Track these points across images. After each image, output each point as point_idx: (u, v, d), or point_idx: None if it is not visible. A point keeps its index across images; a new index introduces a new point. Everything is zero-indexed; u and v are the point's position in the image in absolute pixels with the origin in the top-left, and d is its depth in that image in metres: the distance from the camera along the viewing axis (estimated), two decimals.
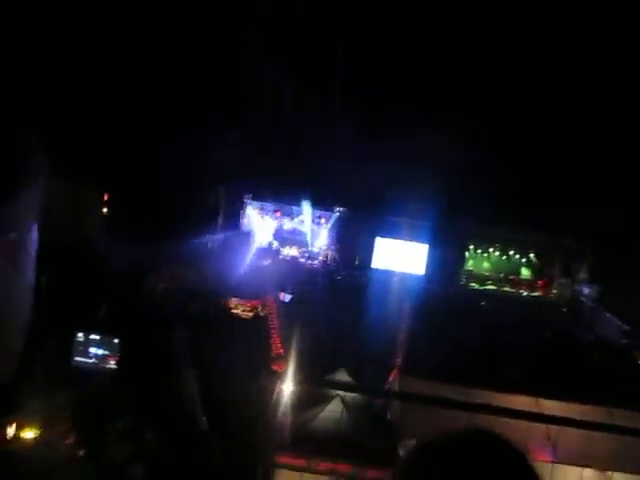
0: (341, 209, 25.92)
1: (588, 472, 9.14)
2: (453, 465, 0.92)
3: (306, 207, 25.76)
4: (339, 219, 26.03)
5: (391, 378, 13.20)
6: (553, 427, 9.29)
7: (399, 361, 13.86)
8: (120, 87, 20.04)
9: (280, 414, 11.40)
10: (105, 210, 21.03)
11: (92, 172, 18.02)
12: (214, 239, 22.87)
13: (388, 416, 11.89)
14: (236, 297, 18.55)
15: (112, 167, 19.70)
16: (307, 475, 10.41)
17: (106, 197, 20.99)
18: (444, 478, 0.92)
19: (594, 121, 22.46)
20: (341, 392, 12.42)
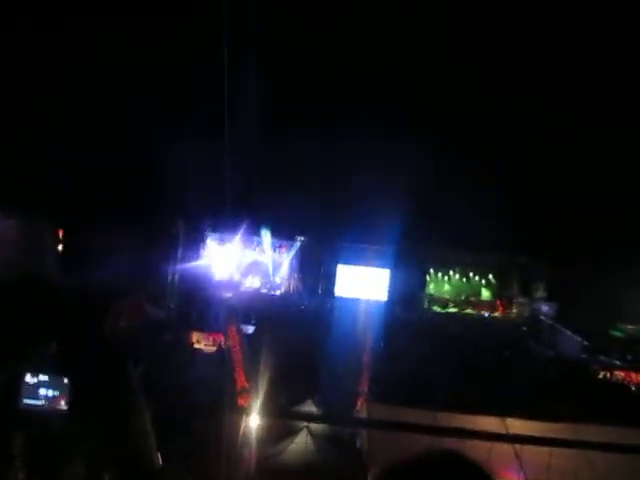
0: (302, 238, 25.95)
1: None
2: None
3: (266, 237, 25.70)
4: (300, 248, 26.03)
5: (359, 405, 13.10)
6: (519, 445, 9.32)
7: (364, 388, 13.78)
8: (73, 118, 19.78)
9: (247, 449, 11.14)
10: (60, 246, 20.49)
11: (43, 206, 17.62)
12: (175, 273, 22.49)
13: (357, 444, 11.76)
14: (198, 331, 18.22)
15: (65, 201, 19.28)
16: None
17: (61, 233, 20.47)
18: None
19: (540, 145, 23.24)
20: (309, 424, 12.25)
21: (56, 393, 2.47)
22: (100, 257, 19.43)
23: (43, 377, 2.51)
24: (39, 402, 2.50)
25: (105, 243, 19.71)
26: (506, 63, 22.17)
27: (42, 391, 2.39)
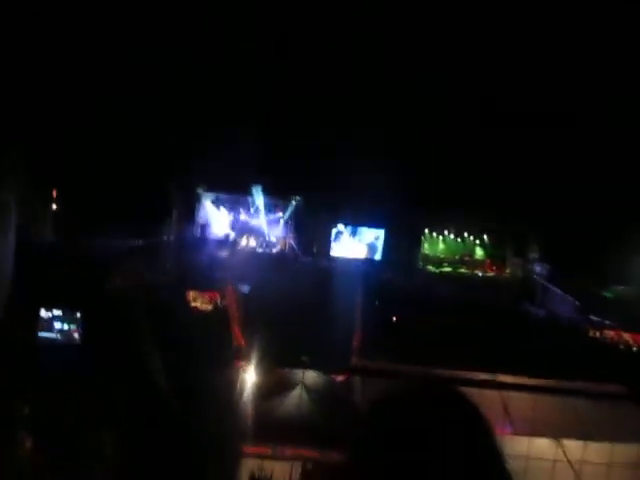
0: (297, 197, 25.90)
1: (543, 441, 9.48)
2: (409, 414, 0.94)
3: (261, 197, 25.63)
4: (296, 207, 26.01)
5: (353, 361, 13.34)
6: (510, 402, 9.59)
7: (358, 345, 14.02)
8: (66, 83, 19.47)
9: (244, 404, 11.38)
10: (54, 207, 20.43)
11: (39, 168, 17.49)
12: (170, 234, 22.51)
13: (353, 397, 12.02)
14: (195, 290, 18.34)
15: (59, 163, 19.14)
16: (271, 462, 10.44)
17: (54, 194, 20.39)
18: (400, 427, 0.94)
19: (537, 112, 23.12)
20: (305, 379, 12.48)
21: (69, 326, 2.55)
22: (95, 220, 19.45)
23: (57, 311, 2.61)
24: (53, 335, 2.61)
25: (100, 206, 19.67)
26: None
27: (56, 325, 2.48)
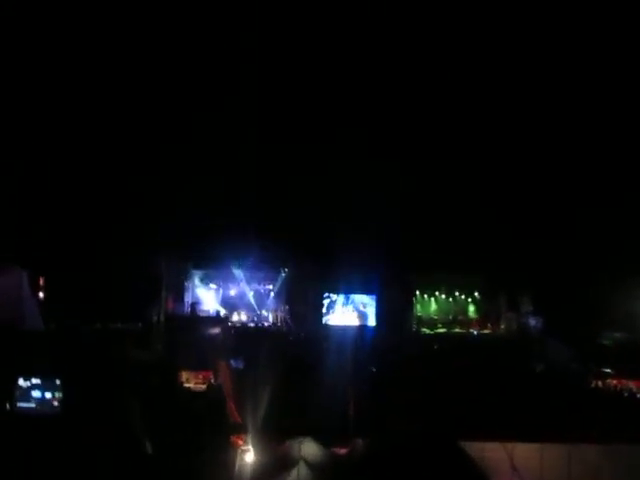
0: (286, 269, 25.91)
1: None
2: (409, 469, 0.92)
3: (250, 271, 25.64)
4: (285, 279, 25.97)
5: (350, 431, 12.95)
6: (517, 452, 9.29)
7: (355, 414, 13.67)
8: (53, 164, 19.80)
9: None
10: (42, 294, 20.22)
11: (24, 255, 17.46)
12: (159, 312, 22.26)
13: (354, 471, 11.55)
14: (187, 370, 17.92)
15: (45, 249, 19.13)
16: None
17: (42, 281, 20.24)
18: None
19: (514, 158, 23.67)
20: (305, 455, 12.03)
21: (49, 395, 2.46)
22: (84, 302, 19.25)
23: (36, 380, 2.52)
24: (32, 405, 2.50)
25: (88, 287, 19.53)
26: None
27: (35, 393, 2.38)
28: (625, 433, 9.64)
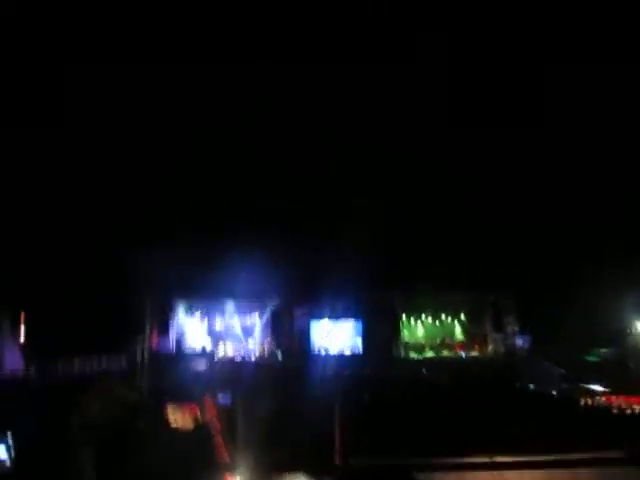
0: (271, 299, 25.77)
1: None
2: None
3: (234, 303, 25.48)
4: (270, 309, 25.81)
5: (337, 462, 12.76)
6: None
7: (342, 445, 13.47)
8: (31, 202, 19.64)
9: None
10: (22, 329, 19.87)
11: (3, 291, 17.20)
12: (144, 349, 21.94)
13: None
14: (172, 403, 17.60)
15: (25, 283, 18.86)
16: None
17: (22, 317, 19.92)
18: None
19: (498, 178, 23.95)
20: None
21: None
22: (67, 339, 18.89)
23: None
24: None
25: (71, 324, 19.22)
26: None
27: None
28: (612, 452, 9.61)
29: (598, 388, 19.86)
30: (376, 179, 23.56)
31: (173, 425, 17.71)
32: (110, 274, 20.39)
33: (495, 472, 8.16)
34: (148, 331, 22.11)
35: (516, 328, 25.26)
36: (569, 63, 21.48)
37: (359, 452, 11.45)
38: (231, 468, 13.15)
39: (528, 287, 23.15)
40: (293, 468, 12.15)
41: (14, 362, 18.02)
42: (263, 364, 24.27)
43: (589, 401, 19.19)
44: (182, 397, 17.70)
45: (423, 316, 27.13)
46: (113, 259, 20.42)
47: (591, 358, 22.29)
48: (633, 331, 23.58)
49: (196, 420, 17.65)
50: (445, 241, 23.61)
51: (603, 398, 19.03)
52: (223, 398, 18.65)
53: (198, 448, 14.72)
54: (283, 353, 24.88)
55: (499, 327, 25.97)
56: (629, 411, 17.97)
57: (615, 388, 19.30)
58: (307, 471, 11.29)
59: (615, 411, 17.87)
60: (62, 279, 19.97)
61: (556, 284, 22.42)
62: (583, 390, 19.93)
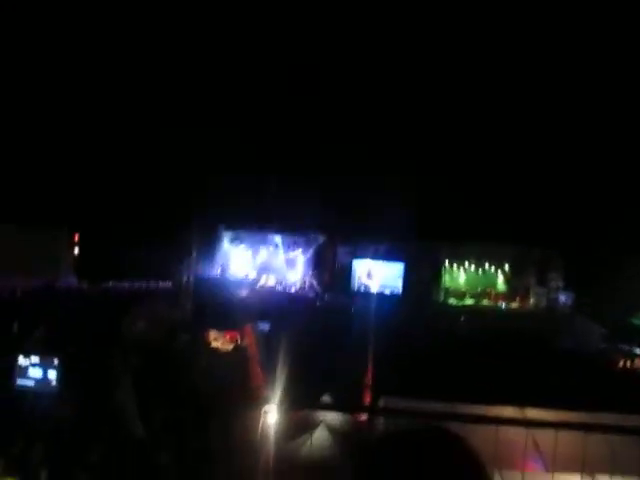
0: (316, 235, 25.94)
1: (575, 477, 9.10)
2: (402, 459, 0.98)
3: (280, 235, 25.77)
4: (314, 245, 26.03)
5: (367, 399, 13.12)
6: (540, 436, 9.26)
7: (374, 381, 13.79)
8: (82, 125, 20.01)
9: (265, 445, 11.17)
10: (76, 250, 20.72)
11: (59, 212, 17.84)
12: (190, 273, 22.63)
13: (374, 438, 11.72)
14: (214, 329, 18.29)
15: (79, 207, 19.51)
16: None
17: (76, 237, 20.71)
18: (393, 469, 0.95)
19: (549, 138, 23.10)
20: (327, 418, 12.24)
21: (47, 373, 2.52)
22: (117, 260, 19.65)
23: (35, 358, 2.58)
24: (30, 383, 2.58)
25: (121, 246, 19.90)
26: None
27: (32, 372, 2.43)
28: None
29: (638, 351, 19.57)
30: (428, 125, 23.06)
31: (214, 345, 18.47)
32: (161, 201, 20.85)
33: (526, 430, 8.17)
34: (194, 256, 22.71)
35: (560, 284, 24.82)
36: None
37: (389, 393, 11.66)
38: (265, 389, 13.73)
39: (577, 244, 22.56)
40: (324, 403, 12.56)
41: (68, 279, 18.89)
42: (302, 297, 24.74)
43: (628, 363, 18.99)
44: (224, 322, 18.35)
45: (466, 264, 26.85)
46: (163, 187, 20.82)
47: (635, 320, 21.84)
48: None
49: (235, 343, 18.34)
50: (497, 192, 23.10)
51: None
52: (262, 326, 19.26)
53: (236, 368, 15.37)
54: (323, 288, 25.24)
55: (543, 281, 25.55)
56: None
57: None
58: (337, 407, 11.63)
59: None
60: (115, 204, 20.54)
61: (606, 244, 21.77)
62: (623, 351, 19.68)
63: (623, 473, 9.15)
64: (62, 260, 18.67)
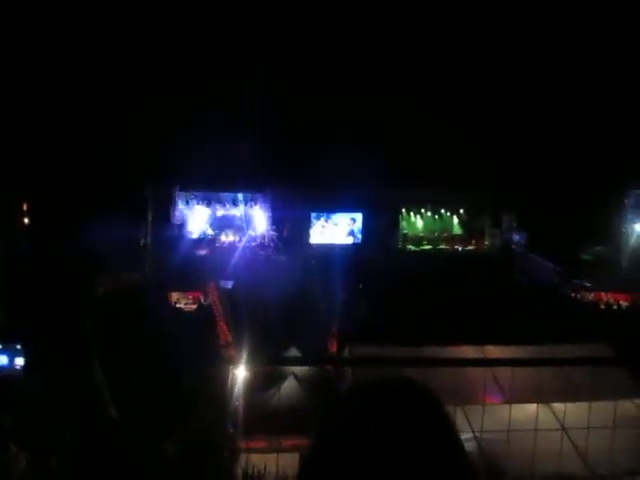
0: (273, 189, 25.71)
1: (535, 407, 9.66)
2: (366, 415, 0.99)
3: (237, 191, 25.50)
4: (273, 199, 25.87)
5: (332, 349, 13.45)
6: (499, 371, 9.75)
7: (339, 329, 14.10)
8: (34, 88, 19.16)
9: (236, 399, 11.39)
10: (26, 219, 20.10)
11: (7, 180, 17.21)
12: (147, 235, 22.29)
13: (343, 385, 12.10)
14: (177, 290, 18.23)
15: (28, 173, 18.83)
16: (267, 456, 10.47)
17: (25, 206, 20.06)
18: (357, 424, 0.99)
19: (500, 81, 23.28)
20: (295, 370, 12.51)
21: (11, 359, 2.53)
22: (69, 228, 19.15)
23: None
24: None
25: (73, 213, 19.38)
26: None
27: None
28: (597, 346, 10.13)
29: (588, 284, 20.47)
30: (380, 74, 22.88)
31: (177, 305, 18.43)
32: (112, 164, 20.26)
33: (486, 368, 8.58)
34: (150, 219, 22.33)
35: (514, 224, 25.50)
36: None
37: (353, 341, 11.97)
38: (232, 346, 13.86)
39: (527, 184, 23.09)
40: (291, 357, 12.79)
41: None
42: (263, 251, 24.74)
43: (578, 296, 19.90)
44: (185, 282, 18.28)
45: (423, 210, 27.30)
46: (115, 149, 20.21)
47: (586, 256, 22.73)
48: (629, 230, 23.85)
49: (199, 303, 18.36)
50: (448, 138, 23.27)
51: (592, 294, 19.70)
52: (225, 283, 19.27)
53: (201, 328, 15.43)
54: (283, 242, 25.27)
55: (497, 223, 26.21)
56: (615, 307, 18.69)
57: (605, 285, 19.90)
58: (303, 361, 11.86)
59: (602, 307, 18.60)
60: (64, 168, 19.87)
61: (555, 182, 22.37)
62: (574, 286, 20.56)
63: (576, 400, 9.78)
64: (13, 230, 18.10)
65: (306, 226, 26.08)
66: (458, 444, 1.00)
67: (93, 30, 20.48)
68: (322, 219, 26.27)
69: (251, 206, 25.93)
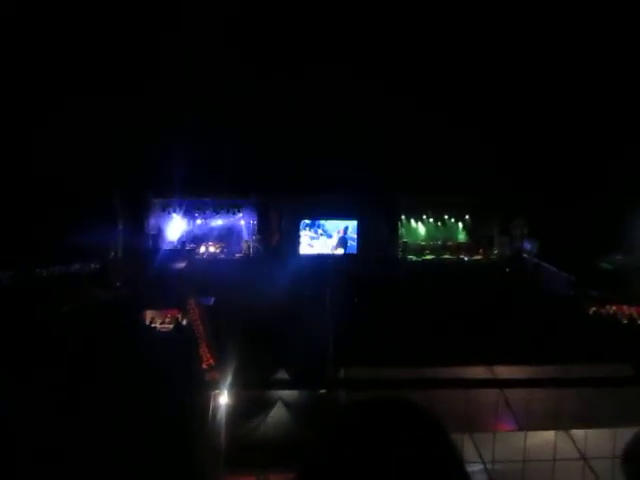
0: (259, 195, 25.60)
1: (553, 435, 9.55)
2: (361, 432, 1.03)
3: (218, 198, 25.37)
4: (256, 206, 25.78)
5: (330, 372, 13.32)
6: (512, 393, 9.65)
7: (332, 349, 13.99)
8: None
9: (219, 428, 11.23)
10: None
11: None
12: (117, 247, 22.10)
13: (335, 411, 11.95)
14: (152, 308, 18.02)
15: None
16: None
17: None
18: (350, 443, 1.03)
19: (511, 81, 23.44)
20: (283, 395, 12.38)
21: None
22: (34, 240, 18.95)
23: None
24: None
25: (39, 224, 19.20)
26: None
27: None
28: (618, 366, 10.06)
29: (608, 296, 20.41)
30: (380, 72, 22.99)
31: (152, 325, 18.23)
32: (78, 170, 20.10)
33: (497, 391, 8.49)
34: (121, 230, 22.15)
35: (525, 231, 25.48)
36: None
37: (350, 362, 11.85)
38: (215, 370, 13.71)
39: (539, 187, 23.13)
40: (279, 380, 12.64)
41: None
42: (247, 263, 24.58)
43: (598, 310, 19.83)
44: (161, 300, 18.09)
45: (424, 216, 27.21)
46: (82, 155, 20.08)
47: (605, 265, 22.69)
48: None
49: (177, 323, 18.17)
50: (452, 139, 23.31)
51: (614, 307, 19.65)
52: (206, 299, 19.12)
53: (180, 349, 15.27)
54: (269, 253, 25.14)
55: (506, 230, 26.15)
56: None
57: (627, 298, 19.85)
58: (293, 385, 11.73)
59: (625, 321, 18.56)
60: (27, 176, 19.72)
61: (570, 186, 22.42)
62: (592, 298, 20.51)
63: (598, 426, 9.67)
64: None
65: (295, 236, 25.95)
66: (458, 463, 1.01)
67: (61, 29, 20.49)
68: (312, 228, 26.15)
69: (234, 214, 25.81)
